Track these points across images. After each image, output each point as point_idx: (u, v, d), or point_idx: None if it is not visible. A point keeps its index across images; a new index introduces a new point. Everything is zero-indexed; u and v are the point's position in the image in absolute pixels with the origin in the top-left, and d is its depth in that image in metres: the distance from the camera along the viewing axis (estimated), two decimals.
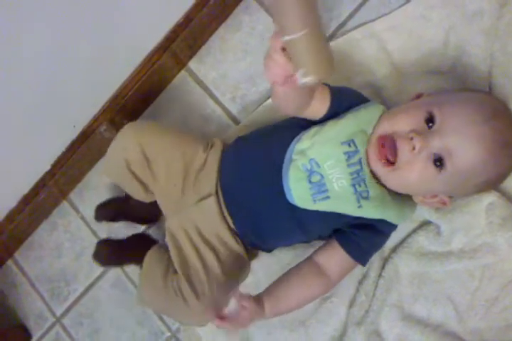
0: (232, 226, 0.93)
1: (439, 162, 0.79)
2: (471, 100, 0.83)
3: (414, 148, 0.78)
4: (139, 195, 1.00)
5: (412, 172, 0.80)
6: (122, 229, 1.16)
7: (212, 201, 0.92)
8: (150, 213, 1.12)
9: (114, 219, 1.12)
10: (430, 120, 0.80)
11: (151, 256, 1.02)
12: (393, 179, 0.83)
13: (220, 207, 0.92)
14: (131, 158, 0.94)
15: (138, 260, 1.03)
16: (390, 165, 0.81)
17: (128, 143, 0.94)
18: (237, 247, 0.93)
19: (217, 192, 0.93)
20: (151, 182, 0.95)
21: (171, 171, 0.94)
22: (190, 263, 0.93)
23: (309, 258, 0.92)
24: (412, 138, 0.78)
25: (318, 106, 0.86)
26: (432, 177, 0.80)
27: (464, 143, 0.78)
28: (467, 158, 0.78)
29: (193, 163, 0.94)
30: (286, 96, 0.79)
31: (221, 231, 0.92)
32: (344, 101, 0.87)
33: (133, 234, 1.13)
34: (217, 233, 0.93)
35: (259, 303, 0.86)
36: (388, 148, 0.81)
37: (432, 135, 0.78)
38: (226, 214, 0.92)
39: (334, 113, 0.87)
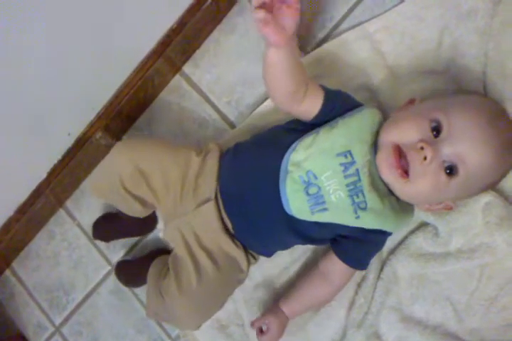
0: (231, 231, 0.93)
1: (449, 170, 0.79)
2: (471, 103, 0.83)
3: (425, 159, 0.77)
4: (134, 211, 1.01)
5: (425, 183, 0.80)
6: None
7: (211, 206, 0.91)
8: (144, 226, 1.12)
9: (109, 239, 1.15)
10: (436, 128, 0.79)
11: (152, 268, 1.04)
12: (407, 191, 0.83)
13: (219, 212, 0.92)
14: (126, 176, 0.92)
15: None
16: (406, 177, 0.80)
17: (120, 161, 0.93)
18: (235, 251, 0.93)
19: (216, 197, 0.92)
20: (150, 195, 0.95)
21: (168, 181, 0.93)
22: (184, 266, 0.93)
23: (316, 266, 0.96)
24: (422, 148, 0.78)
25: (311, 104, 0.86)
26: (445, 185, 0.80)
27: (475, 148, 0.78)
28: (480, 163, 0.78)
29: (188, 170, 0.93)
30: (280, 63, 0.80)
31: (219, 235, 0.92)
32: (338, 103, 0.87)
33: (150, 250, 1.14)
34: (214, 237, 0.93)
35: (278, 310, 0.96)
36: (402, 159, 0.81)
37: (441, 143, 0.78)
38: (226, 219, 0.92)
39: (327, 114, 0.86)
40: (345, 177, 0.83)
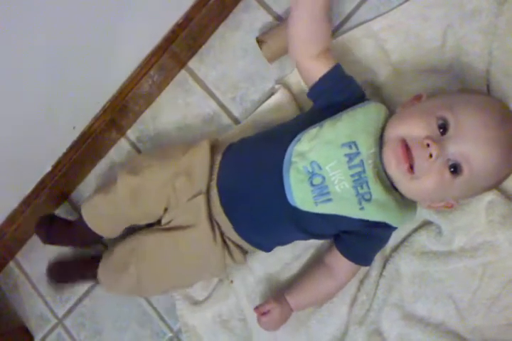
0: (223, 225, 0.93)
1: (453, 168, 0.79)
2: (479, 103, 0.83)
3: (431, 156, 0.78)
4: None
5: (430, 180, 0.80)
6: None
7: (201, 199, 0.92)
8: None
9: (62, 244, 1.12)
10: (443, 125, 0.79)
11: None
12: (412, 187, 0.83)
13: (209, 207, 0.92)
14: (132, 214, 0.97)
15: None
16: (412, 172, 0.80)
17: (121, 200, 0.96)
18: (211, 251, 0.94)
19: (208, 192, 0.93)
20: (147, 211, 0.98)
21: (160, 187, 0.95)
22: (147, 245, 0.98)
23: (321, 260, 0.97)
24: (428, 145, 0.78)
25: (319, 65, 0.89)
26: (448, 183, 0.80)
27: (481, 148, 0.78)
28: (484, 163, 0.79)
29: (177, 169, 0.94)
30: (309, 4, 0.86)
31: (202, 230, 0.92)
32: (342, 81, 0.90)
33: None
34: (196, 230, 0.93)
35: (283, 299, 0.96)
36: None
37: (447, 141, 0.78)
38: (221, 213, 0.92)
39: (327, 87, 0.89)
40: (350, 167, 0.83)
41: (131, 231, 1.05)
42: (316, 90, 0.91)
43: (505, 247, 0.93)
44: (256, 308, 0.97)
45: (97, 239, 1.10)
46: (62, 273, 1.15)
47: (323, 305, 1.02)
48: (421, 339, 0.97)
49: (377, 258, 0.99)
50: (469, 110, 0.80)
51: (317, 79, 0.89)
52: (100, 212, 1.00)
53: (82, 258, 1.15)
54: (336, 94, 0.89)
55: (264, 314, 0.96)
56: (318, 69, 0.89)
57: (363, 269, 1.00)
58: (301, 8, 0.87)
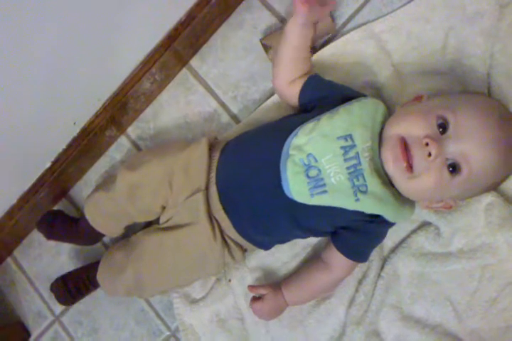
0: (222, 222, 0.93)
1: (452, 167, 0.79)
2: (479, 104, 0.83)
3: (429, 155, 0.78)
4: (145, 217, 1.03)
5: (429, 179, 0.80)
6: None
7: (200, 196, 0.92)
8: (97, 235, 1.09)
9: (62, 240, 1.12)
10: (442, 125, 0.80)
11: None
12: (410, 186, 0.83)
13: (208, 204, 0.92)
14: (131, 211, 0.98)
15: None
16: (411, 171, 0.81)
17: (121, 198, 0.97)
18: (211, 249, 0.94)
19: (207, 188, 0.93)
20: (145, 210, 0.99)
21: (157, 183, 0.95)
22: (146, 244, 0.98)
23: (318, 256, 0.97)
24: (427, 144, 0.78)
25: (296, 87, 0.93)
26: (447, 183, 0.80)
27: (480, 148, 0.78)
28: (483, 163, 0.79)
29: (174, 165, 0.94)
30: (291, 33, 0.91)
31: (201, 228, 0.92)
32: (320, 87, 0.93)
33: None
34: (196, 228, 0.93)
35: (278, 289, 0.97)
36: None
37: (447, 140, 0.79)
38: (220, 210, 0.92)
39: (309, 97, 0.93)
40: (346, 160, 0.83)
41: (133, 231, 1.05)
42: (302, 100, 0.94)
43: (504, 249, 0.93)
44: (250, 286, 0.99)
45: (100, 237, 1.10)
46: (66, 285, 1.12)
47: (321, 305, 1.02)
48: (419, 340, 0.97)
49: (376, 259, 0.99)
50: (470, 110, 0.81)
51: (297, 96, 0.93)
52: (101, 209, 1.00)
53: (83, 266, 1.14)
54: (319, 93, 0.92)
55: (257, 299, 0.97)
56: (297, 88, 0.93)
57: (362, 269, 1.00)
58: (285, 36, 0.92)
